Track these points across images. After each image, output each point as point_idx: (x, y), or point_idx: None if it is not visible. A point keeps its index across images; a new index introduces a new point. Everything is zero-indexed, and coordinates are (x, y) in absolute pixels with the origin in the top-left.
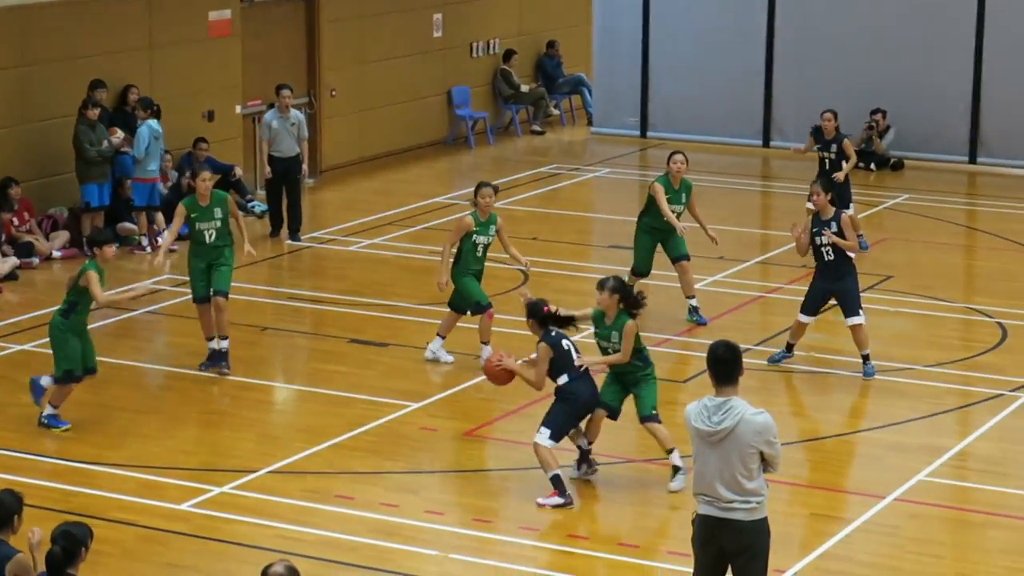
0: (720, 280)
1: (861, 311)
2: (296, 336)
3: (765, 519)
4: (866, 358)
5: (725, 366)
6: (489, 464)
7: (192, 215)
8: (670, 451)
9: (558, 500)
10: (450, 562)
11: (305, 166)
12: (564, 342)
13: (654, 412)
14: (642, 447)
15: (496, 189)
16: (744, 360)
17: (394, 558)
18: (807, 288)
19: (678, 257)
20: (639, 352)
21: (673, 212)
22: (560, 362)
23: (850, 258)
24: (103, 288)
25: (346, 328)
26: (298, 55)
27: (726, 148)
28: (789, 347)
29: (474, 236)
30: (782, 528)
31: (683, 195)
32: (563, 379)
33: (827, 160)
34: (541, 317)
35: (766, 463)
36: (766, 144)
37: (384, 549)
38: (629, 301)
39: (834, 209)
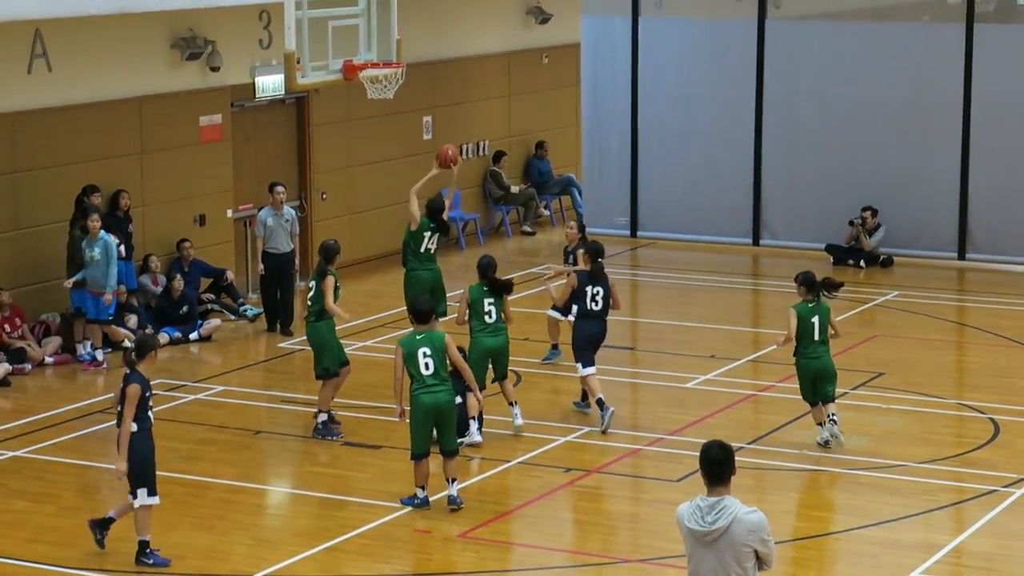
0: (711, 379)
1: None
2: (289, 439)
3: None
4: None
5: (718, 466)
6: (484, 566)
7: None
8: None
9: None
10: None
11: (298, 261)
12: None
13: None
14: (633, 547)
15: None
16: (736, 459)
17: None
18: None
19: None
20: None
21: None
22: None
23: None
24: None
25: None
26: (289, 158)
27: (716, 247)
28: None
29: None
30: None
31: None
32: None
33: None
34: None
35: (760, 561)
36: (755, 243)
37: None
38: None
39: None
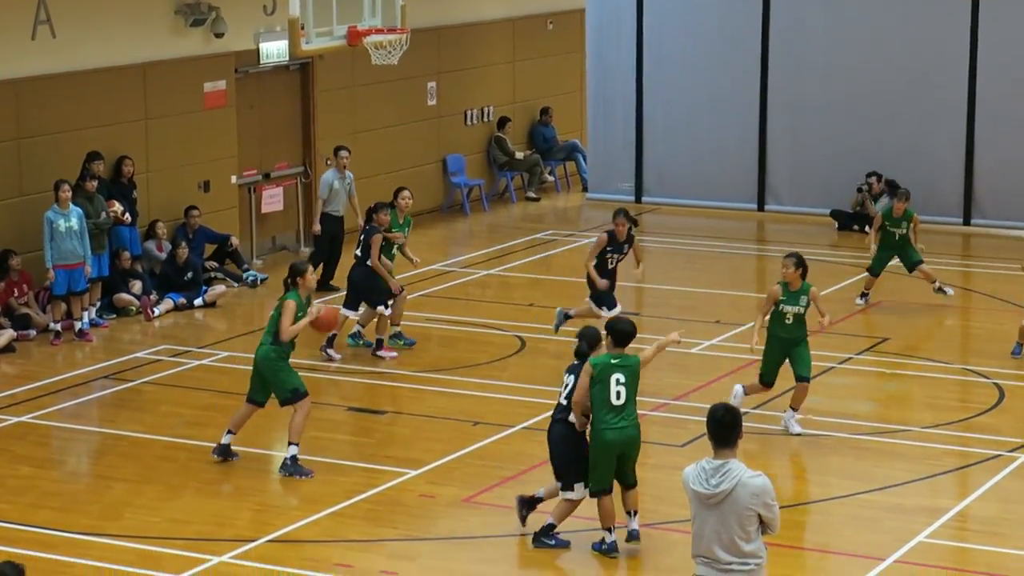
0: (717, 344)
1: None
2: None
3: None
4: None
5: (724, 429)
6: (487, 531)
7: None
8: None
9: None
10: None
11: (360, 220)
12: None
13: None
14: (640, 511)
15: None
16: (743, 423)
17: None
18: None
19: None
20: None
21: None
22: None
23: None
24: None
25: (344, 396)
26: (293, 125)
27: (721, 212)
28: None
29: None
30: None
31: (406, 228)
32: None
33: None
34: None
35: (764, 525)
36: (760, 208)
37: None
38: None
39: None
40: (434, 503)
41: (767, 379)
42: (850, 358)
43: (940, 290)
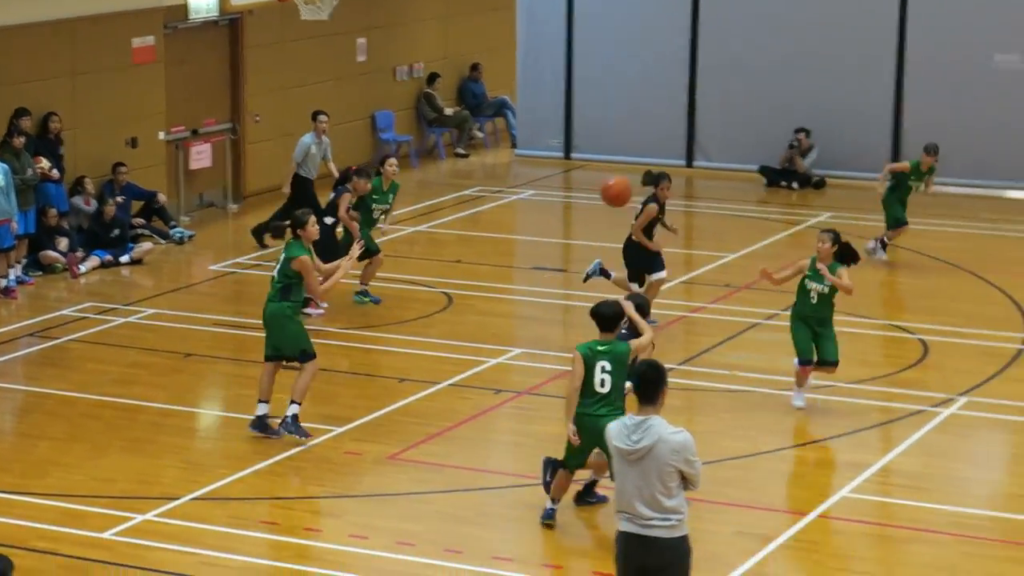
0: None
1: None
2: (219, 362)
3: (686, 537)
4: None
5: (647, 385)
6: (413, 487)
7: None
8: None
9: None
10: None
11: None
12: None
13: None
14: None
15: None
16: (669, 380)
17: None
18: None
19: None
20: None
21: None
22: None
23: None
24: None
25: None
26: (222, 81)
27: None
28: None
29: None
30: (705, 546)
31: (390, 195)
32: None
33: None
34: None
35: (686, 481)
36: (689, 164)
37: (308, 574)
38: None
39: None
40: (360, 460)
41: (805, 357)
42: (776, 314)
43: (875, 250)
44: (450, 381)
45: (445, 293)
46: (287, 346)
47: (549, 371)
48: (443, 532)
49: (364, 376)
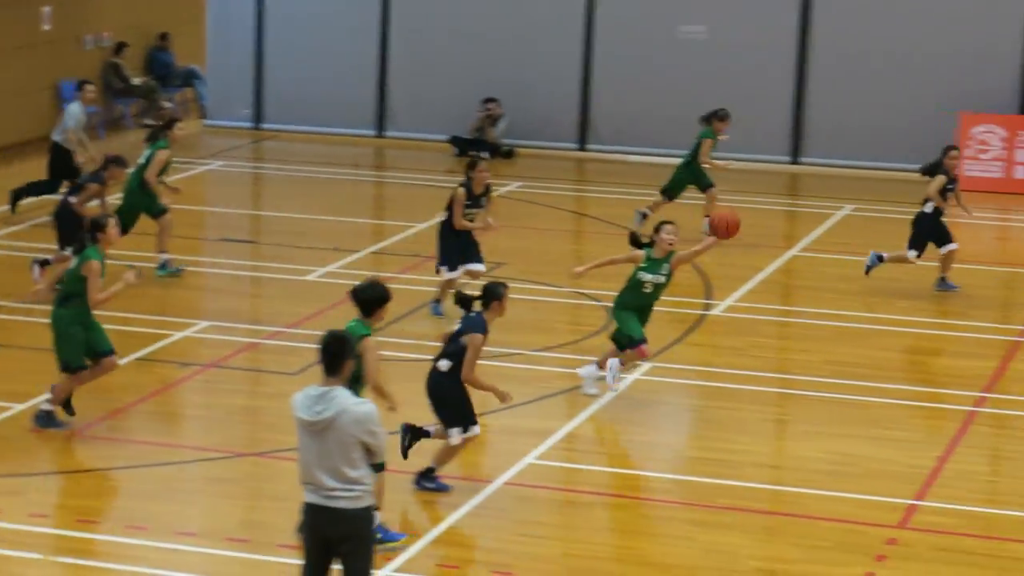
0: (333, 271)
1: None
2: None
3: (370, 507)
4: None
5: (330, 357)
6: (97, 464)
7: None
8: None
9: None
10: (54, 565)
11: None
12: None
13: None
14: (251, 440)
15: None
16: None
17: None
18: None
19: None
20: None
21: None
22: None
23: None
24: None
25: None
26: None
27: (340, 139)
28: None
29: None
30: (391, 515)
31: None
32: None
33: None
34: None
35: (370, 453)
36: (380, 134)
37: None
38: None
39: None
40: (41, 437)
41: (642, 336)
42: (467, 284)
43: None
44: (135, 355)
45: (131, 265)
46: (57, 352)
47: (236, 343)
48: (127, 508)
49: (46, 350)
